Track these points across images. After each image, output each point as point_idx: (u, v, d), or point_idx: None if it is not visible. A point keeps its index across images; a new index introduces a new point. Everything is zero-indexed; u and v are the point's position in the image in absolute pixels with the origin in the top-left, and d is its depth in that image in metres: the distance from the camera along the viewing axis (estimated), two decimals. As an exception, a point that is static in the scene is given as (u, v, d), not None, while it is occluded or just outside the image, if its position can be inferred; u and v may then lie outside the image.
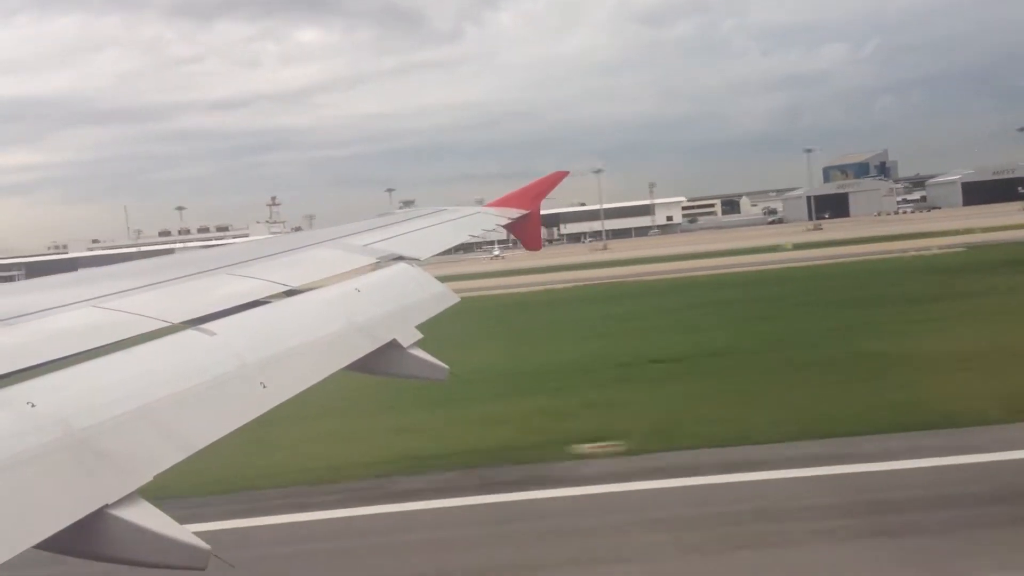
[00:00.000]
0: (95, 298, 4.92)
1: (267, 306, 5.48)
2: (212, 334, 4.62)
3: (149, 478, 3.37)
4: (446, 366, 6.17)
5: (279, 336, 5.09)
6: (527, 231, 13.31)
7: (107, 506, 3.15)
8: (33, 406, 3.36)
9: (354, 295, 6.27)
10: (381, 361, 5.76)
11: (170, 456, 3.57)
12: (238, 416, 4.10)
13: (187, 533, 3.29)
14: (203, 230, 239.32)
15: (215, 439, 3.86)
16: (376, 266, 7.30)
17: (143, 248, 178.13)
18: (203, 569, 3.34)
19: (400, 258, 7.63)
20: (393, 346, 5.86)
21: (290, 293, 5.88)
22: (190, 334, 4.59)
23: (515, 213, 13.03)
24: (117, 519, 3.16)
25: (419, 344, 6.14)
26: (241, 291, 5.57)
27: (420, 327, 6.36)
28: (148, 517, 3.23)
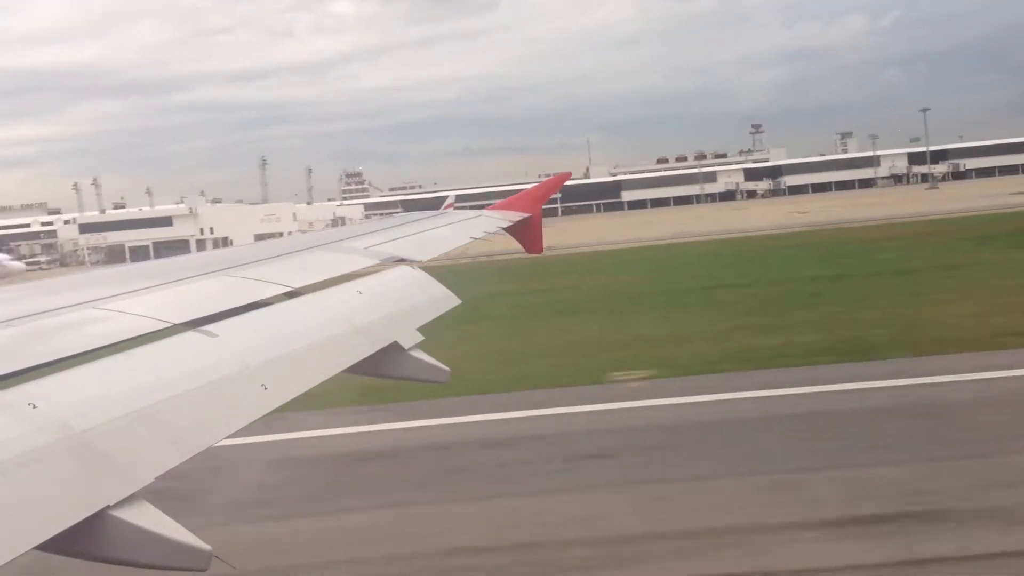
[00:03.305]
0: (96, 299, 4.92)
1: (268, 308, 5.49)
2: (213, 336, 4.62)
3: (150, 479, 3.37)
4: (447, 368, 6.17)
5: (280, 338, 5.09)
6: (529, 235, 13.31)
7: (108, 507, 3.15)
8: (34, 407, 3.36)
9: (355, 297, 6.27)
10: (382, 363, 5.76)
11: (171, 458, 3.57)
12: (239, 418, 4.10)
13: (188, 534, 3.28)
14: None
15: (216, 441, 3.86)
16: (378, 268, 7.30)
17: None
18: (204, 571, 3.33)
19: (402, 261, 7.64)
20: (394, 348, 5.86)
21: (291, 295, 5.89)
22: (191, 336, 4.59)
23: (517, 216, 13.03)
24: (118, 520, 3.15)
25: (420, 346, 6.14)
26: (242, 293, 5.57)
27: (420, 329, 6.36)
28: (150, 519, 3.23)
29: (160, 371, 4.18)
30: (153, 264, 7.81)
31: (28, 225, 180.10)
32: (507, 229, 12.57)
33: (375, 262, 7.44)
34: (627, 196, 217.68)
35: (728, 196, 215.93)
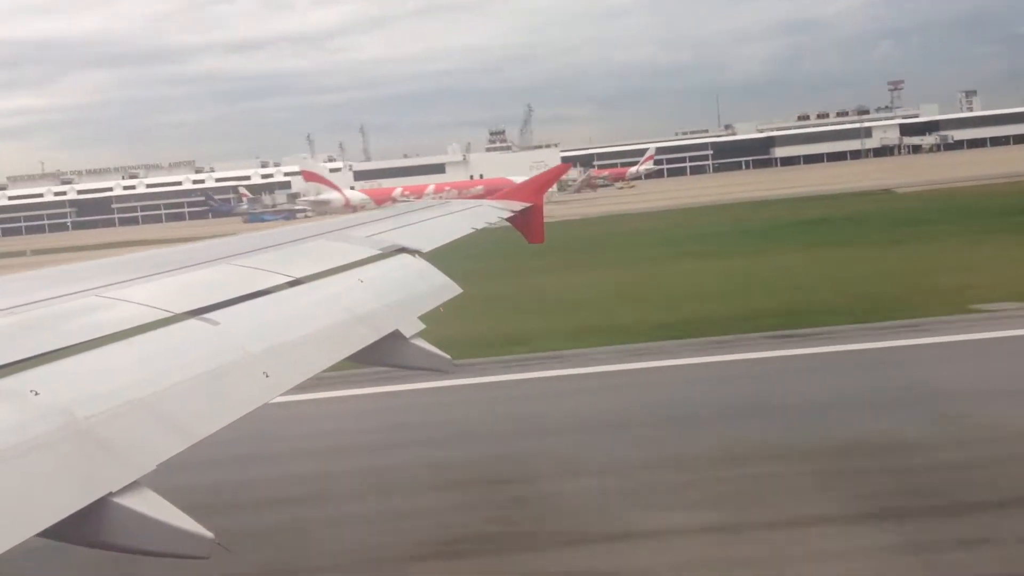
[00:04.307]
0: (99, 288, 4.93)
1: (270, 296, 5.49)
2: (215, 324, 4.63)
3: (152, 467, 3.38)
4: (448, 356, 6.18)
5: (282, 326, 5.10)
6: (530, 223, 13.31)
7: (111, 494, 3.16)
8: (37, 395, 3.37)
9: (357, 286, 6.28)
10: (384, 351, 5.78)
11: (173, 445, 3.58)
12: (241, 405, 4.11)
13: (190, 521, 3.30)
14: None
15: (218, 428, 3.87)
16: (379, 257, 7.31)
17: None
18: (207, 558, 3.35)
19: (403, 249, 7.64)
20: (395, 336, 5.87)
21: (293, 284, 5.89)
22: (193, 324, 4.60)
23: (518, 206, 13.03)
24: (121, 507, 3.17)
25: (421, 334, 6.16)
26: (244, 281, 5.57)
27: (421, 317, 6.37)
28: (152, 506, 3.24)
29: (162, 359, 4.19)
30: (156, 253, 7.81)
31: (248, 177, 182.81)
32: (509, 219, 12.58)
33: (376, 251, 7.44)
34: (780, 152, 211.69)
35: (884, 152, 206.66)
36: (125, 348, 4.13)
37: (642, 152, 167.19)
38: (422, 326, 6.24)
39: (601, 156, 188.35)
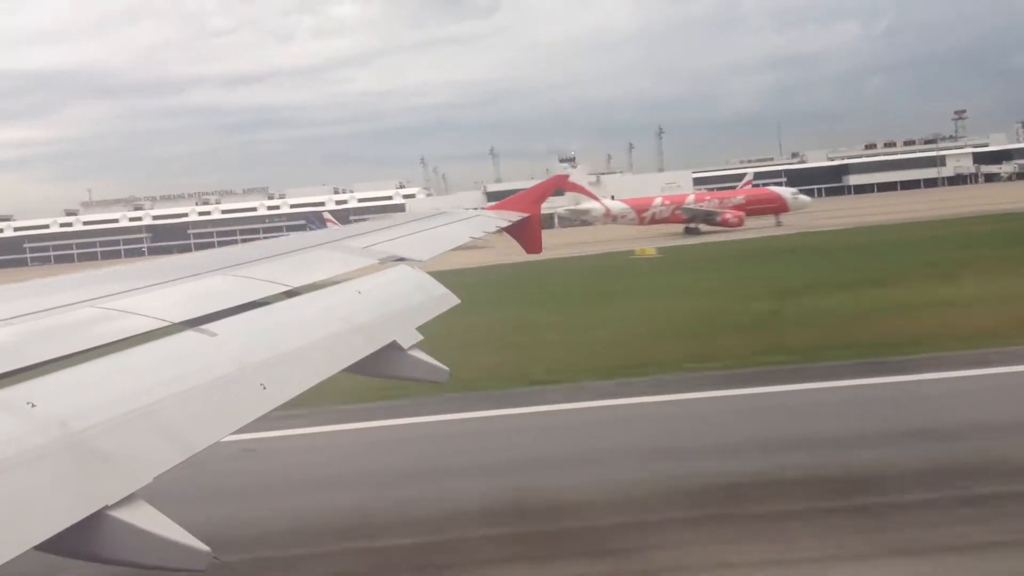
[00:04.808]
0: (95, 298, 4.91)
1: (267, 307, 5.48)
2: (212, 335, 4.61)
3: (149, 479, 3.36)
4: (446, 368, 6.16)
5: (279, 337, 5.08)
6: (527, 234, 13.31)
7: (107, 507, 3.14)
8: (33, 406, 3.35)
9: (355, 296, 6.26)
10: (381, 363, 5.76)
11: (170, 457, 3.56)
12: (238, 417, 4.09)
13: (186, 535, 3.28)
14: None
15: (215, 440, 3.85)
16: (377, 268, 7.30)
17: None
18: (202, 571, 3.32)
19: (401, 260, 7.63)
20: (393, 348, 5.86)
21: (291, 294, 5.88)
22: (190, 335, 4.58)
23: (515, 216, 13.03)
24: (117, 521, 3.14)
25: (419, 345, 6.14)
26: (242, 292, 5.56)
27: (419, 328, 6.36)
28: (148, 519, 3.22)
29: (159, 370, 4.17)
30: (153, 263, 7.80)
31: (390, 197, 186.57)
32: (506, 229, 12.58)
33: (374, 261, 7.43)
34: (853, 180, 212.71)
35: (958, 180, 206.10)
36: (122, 359, 4.11)
37: (739, 177, 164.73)
38: (420, 337, 6.23)
39: (698, 181, 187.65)
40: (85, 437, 3.34)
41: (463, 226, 11.12)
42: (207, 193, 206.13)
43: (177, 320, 4.70)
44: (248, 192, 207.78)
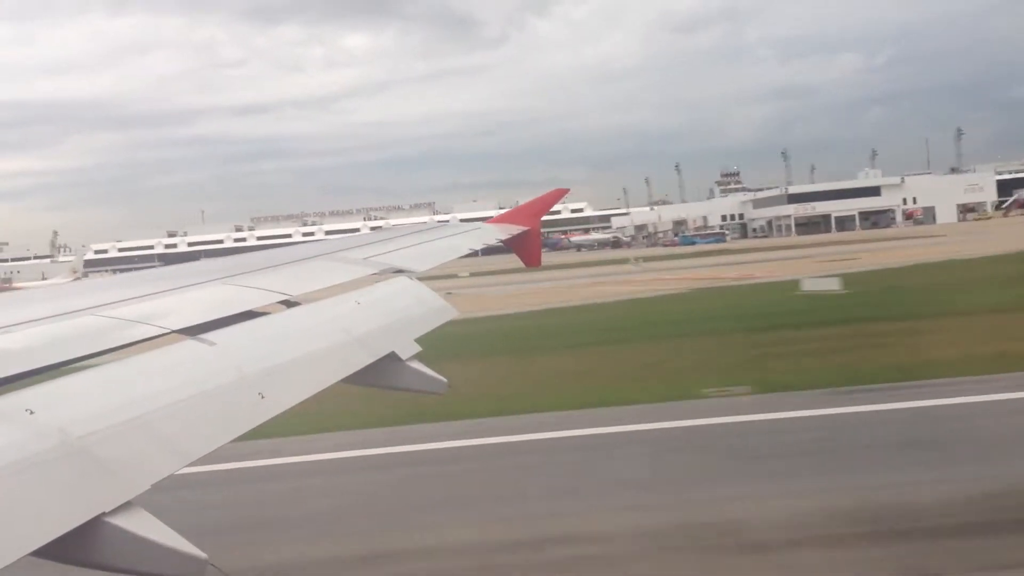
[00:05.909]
0: (94, 306, 4.92)
1: (266, 317, 5.49)
2: (211, 344, 4.62)
3: (147, 487, 3.37)
4: (445, 379, 6.17)
5: (278, 347, 5.10)
6: (527, 248, 13.31)
7: (104, 514, 3.15)
8: (31, 413, 3.37)
9: (353, 307, 6.28)
10: (379, 373, 5.76)
11: (168, 465, 3.57)
12: (236, 426, 4.10)
13: (184, 542, 3.28)
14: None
15: (213, 448, 3.86)
16: (375, 279, 7.31)
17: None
18: None
19: (400, 271, 7.64)
20: (392, 359, 5.87)
21: (289, 304, 5.89)
22: (189, 343, 4.59)
23: (516, 229, 13.04)
24: (114, 527, 3.15)
25: (417, 357, 6.15)
26: (240, 301, 5.57)
27: (418, 340, 6.36)
28: (145, 526, 3.23)
29: (157, 379, 4.18)
30: (152, 271, 7.81)
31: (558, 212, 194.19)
32: (506, 242, 12.59)
33: (373, 272, 7.44)
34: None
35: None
36: (121, 367, 4.13)
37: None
38: (418, 348, 6.24)
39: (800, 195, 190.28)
40: (83, 444, 3.35)
41: (463, 238, 11.14)
42: (375, 209, 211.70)
43: (176, 328, 4.71)
44: (415, 207, 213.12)
